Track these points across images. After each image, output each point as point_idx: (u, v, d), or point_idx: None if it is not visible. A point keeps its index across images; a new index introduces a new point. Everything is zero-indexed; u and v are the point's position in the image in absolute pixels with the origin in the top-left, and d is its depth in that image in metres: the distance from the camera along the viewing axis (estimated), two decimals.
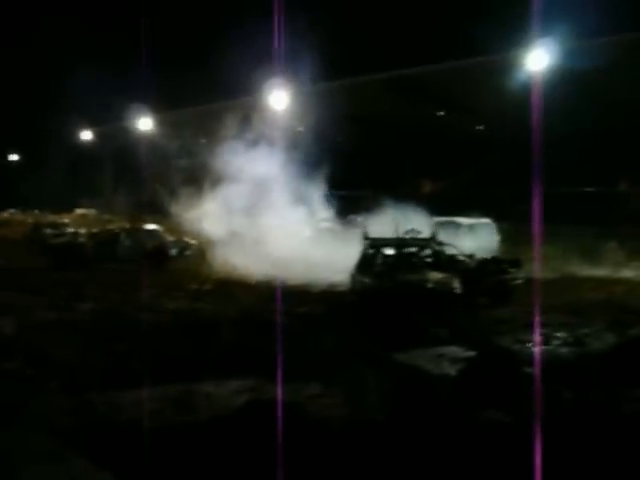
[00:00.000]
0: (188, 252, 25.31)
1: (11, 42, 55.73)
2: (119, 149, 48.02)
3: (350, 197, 30.55)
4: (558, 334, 11.22)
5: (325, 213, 26.94)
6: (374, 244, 14.97)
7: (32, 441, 6.23)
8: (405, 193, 24.93)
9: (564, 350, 10.29)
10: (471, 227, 23.51)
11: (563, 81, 25.48)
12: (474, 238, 20.77)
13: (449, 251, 15.13)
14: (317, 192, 26.44)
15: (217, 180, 24.17)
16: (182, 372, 8.44)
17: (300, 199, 25.30)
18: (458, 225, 23.19)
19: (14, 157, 68.58)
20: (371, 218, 21.34)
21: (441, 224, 19.46)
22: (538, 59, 25.33)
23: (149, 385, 7.73)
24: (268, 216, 23.66)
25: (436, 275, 13.51)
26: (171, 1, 44.89)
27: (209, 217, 24.30)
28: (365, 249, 14.87)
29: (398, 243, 14.84)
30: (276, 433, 5.87)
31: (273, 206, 24.33)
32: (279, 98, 31.13)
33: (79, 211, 53.00)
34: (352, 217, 25.09)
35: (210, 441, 6.11)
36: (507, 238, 22.51)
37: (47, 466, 5.65)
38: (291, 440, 5.72)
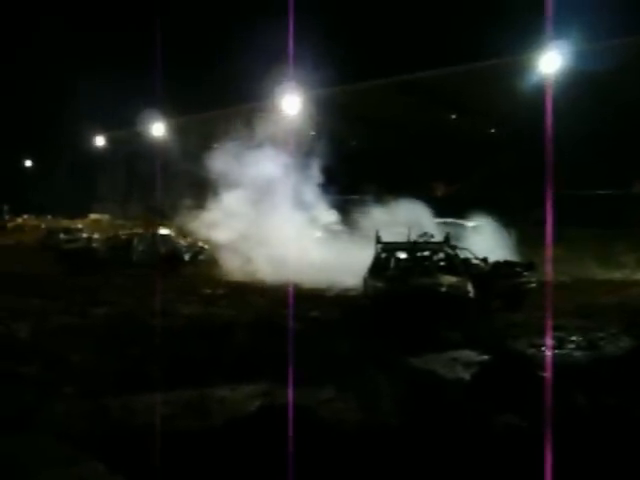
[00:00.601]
0: (201, 257, 25.45)
1: (25, 48, 56.21)
2: (132, 154, 48.27)
3: (358, 200, 30.40)
4: (572, 338, 11.16)
5: (336, 216, 26.90)
6: (387, 248, 14.93)
7: (46, 445, 6.26)
8: (416, 196, 24.77)
9: (578, 354, 10.23)
10: (472, 228, 23.32)
11: (576, 83, 25.40)
12: (475, 239, 20.54)
13: (462, 254, 15.07)
14: (328, 195, 26.44)
15: (229, 184, 24.22)
16: (196, 376, 8.46)
17: (311, 203, 25.32)
18: (459, 226, 22.97)
19: (28, 163, 69.09)
20: (373, 220, 21.38)
21: (441, 225, 19.34)
22: (550, 61, 25.31)
23: (164, 389, 7.76)
24: (280, 220, 23.69)
25: (449, 279, 13.44)
26: (185, 7, 45.10)
27: (221, 221, 24.35)
28: (378, 253, 14.84)
29: (411, 247, 14.79)
30: (289, 438, 5.87)
31: (285, 210, 24.36)
32: (292, 102, 31.23)
33: (92, 216, 53.37)
34: (356, 219, 25.01)
35: (224, 446, 6.12)
36: (520, 241, 22.39)
37: (61, 470, 5.68)
38: (304, 445, 5.73)
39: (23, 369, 9.12)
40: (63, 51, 53.02)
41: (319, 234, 24.80)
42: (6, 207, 56.56)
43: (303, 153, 25.13)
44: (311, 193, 25.20)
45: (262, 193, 24.26)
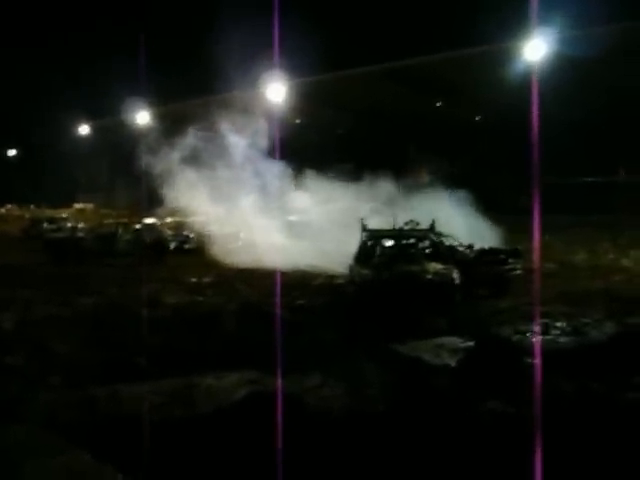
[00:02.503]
0: (187, 245, 25.39)
1: (9, 37, 55.55)
2: (117, 143, 47.91)
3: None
4: (557, 324, 11.22)
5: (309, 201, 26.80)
6: (373, 235, 14.95)
7: (34, 436, 6.23)
8: (398, 183, 24.65)
9: (564, 340, 10.30)
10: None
11: (561, 70, 25.44)
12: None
13: (448, 242, 15.10)
14: (314, 182, 26.37)
15: (215, 173, 24.15)
16: (183, 365, 8.45)
17: (297, 190, 25.29)
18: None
19: (11, 152, 68.41)
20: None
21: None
22: (536, 48, 25.32)
23: (151, 379, 7.74)
24: (266, 208, 23.67)
25: (435, 266, 13.49)
26: None
27: (207, 210, 24.31)
28: (364, 240, 14.85)
29: (397, 234, 14.81)
30: (276, 425, 5.88)
31: (271, 198, 24.34)
32: (277, 90, 31.08)
33: (77, 206, 53.05)
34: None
35: (212, 434, 6.13)
36: (508, 228, 22.47)
37: (48, 460, 5.65)
38: (291, 431, 5.74)
39: (8, 359, 9.08)
40: (47, 40, 52.49)
41: (305, 223, 24.77)
42: None
43: (287, 141, 25.06)
44: (296, 181, 25.19)
45: (248, 182, 24.25)
